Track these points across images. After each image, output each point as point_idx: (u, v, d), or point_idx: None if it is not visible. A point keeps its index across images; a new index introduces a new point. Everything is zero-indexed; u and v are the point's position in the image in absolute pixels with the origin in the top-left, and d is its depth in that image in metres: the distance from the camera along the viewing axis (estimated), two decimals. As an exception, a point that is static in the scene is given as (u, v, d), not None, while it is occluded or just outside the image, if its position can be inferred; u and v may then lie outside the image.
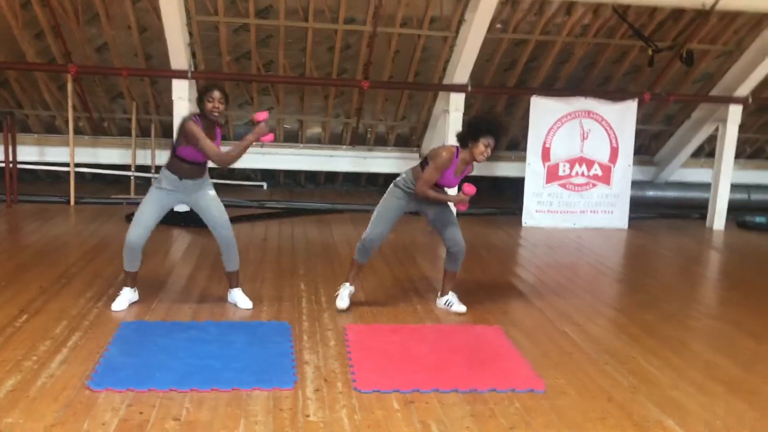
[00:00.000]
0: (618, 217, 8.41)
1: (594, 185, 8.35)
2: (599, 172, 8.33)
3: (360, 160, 9.58)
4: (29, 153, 8.78)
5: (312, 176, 10.35)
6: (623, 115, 8.26)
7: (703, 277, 6.43)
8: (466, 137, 4.28)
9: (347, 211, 8.48)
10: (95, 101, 8.76)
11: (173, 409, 3.02)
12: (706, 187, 9.14)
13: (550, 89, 8.74)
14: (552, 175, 8.26)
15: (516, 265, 6.41)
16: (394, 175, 4.82)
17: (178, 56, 7.38)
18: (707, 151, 10.05)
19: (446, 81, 8.15)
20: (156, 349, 3.65)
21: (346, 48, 8.16)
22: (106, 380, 3.23)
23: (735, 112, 8.51)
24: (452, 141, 7.88)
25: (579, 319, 4.61)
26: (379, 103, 9.01)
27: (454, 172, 4.37)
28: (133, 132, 8.79)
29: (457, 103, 7.98)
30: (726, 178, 8.65)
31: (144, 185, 8.33)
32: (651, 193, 9.89)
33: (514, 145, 9.74)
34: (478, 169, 9.73)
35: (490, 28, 7.47)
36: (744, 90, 8.42)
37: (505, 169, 9.81)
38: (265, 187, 9.96)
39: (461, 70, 7.74)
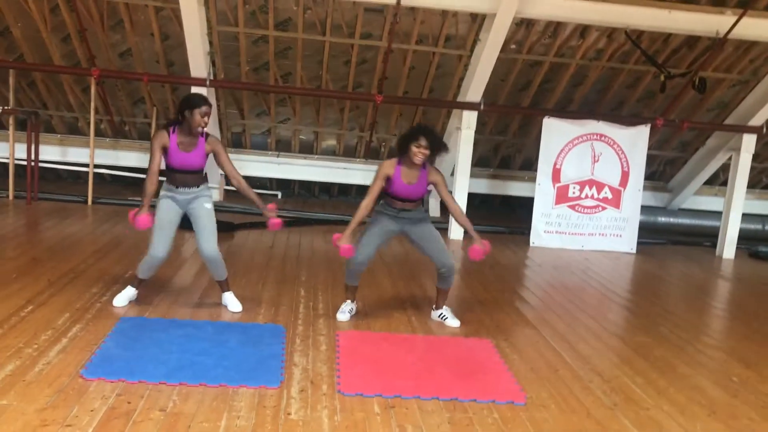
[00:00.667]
0: (626, 241, 8.41)
1: (603, 208, 8.37)
2: (609, 196, 8.36)
3: (373, 174, 9.62)
4: (52, 152, 9.05)
5: (326, 187, 10.49)
6: (635, 140, 8.29)
7: (706, 304, 6.42)
8: (401, 147, 4.44)
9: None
10: (117, 105, 9.00)
11: (161, 401, 3.13)
12: (718, 215, 9.08)
13: (563, 111, 8.82)
14: (561, 197, 8.31)
15: (518, 283, 6.45)
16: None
17: (198, 64, 7.60)
18: (722, 180, 10.02)
19: (460, 98, 8.26)
20: (150, 344, 3.78)
21: (362, 62, 8.32)
22: (99, 370, 3.36)
23: (749, 142, 8.49)
24: (464, 158, 8.05)
25: (572, 338, 4.65)
26: (393, 118, 9.15)
27: (402, 179, 4.45)
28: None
29: (469, 120, 8.08)
30: (738, 206, 8.62)
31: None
32: (662, 219, 9.87)
33: (527, 165, 9.82)
34: (491, 188, 9.95)
35: (505, 49, 7.58)
36: (759, 120, 8.41)
37: (516, 188, 9.90)
38: (279, 196, 10.12)
39: (474, 88, 7.85)
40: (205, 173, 4.49)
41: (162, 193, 4.43)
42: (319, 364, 3.76)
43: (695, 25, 7.35)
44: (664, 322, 5.32)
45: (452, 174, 8.43)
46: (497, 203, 10.70)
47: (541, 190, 8.27)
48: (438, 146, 4.40)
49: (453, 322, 4.68)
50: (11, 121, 8.06)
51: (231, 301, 4.60)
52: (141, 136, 9.46)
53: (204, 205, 4.40)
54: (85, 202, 8.29)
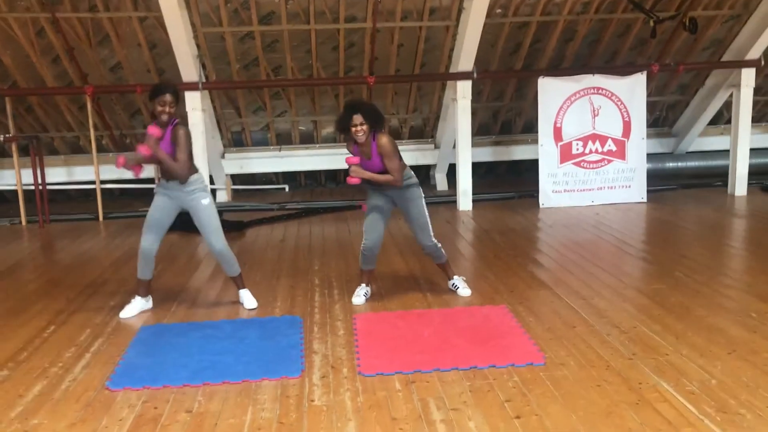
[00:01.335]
0: (636, 191, 8.38)
1: (609, 161, 8.33)
2: (613, 148, 8.31)
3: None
4: (58, 174, 9.13)
5: (332, 175, 10.51)
6: (633, 89, 8.22)
7: (720, 243, 6.39)
8: (343, 132, 4.44)
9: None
10: (115, 119, 9.06)
11: (186, 403, 3.20)
12: (727, 154, 9.02)
13: (557, 69, 8.75)
14: (565, 155, 8.27)
15: (531, 246, 6.46)
16: (413, 167, 4.93)
17: (188, 69, 7.62)
18: (726, 118, 9.92)
19: (452, 69, 8.22)
20: (171, 349, 3.85)
21: (350, 46, 8.29)
22: (123, 380, 3.43)
23: (748, 76, 8.41)
24: (464, 128, 8.02)
25: (587, 294, 4.67)
26: (389, 98, 9.13)
27: (363, 156, 4.42)
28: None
29: (464, 90, 8.05)
30: (744, 142, 8.55)
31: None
32: (671, 164, 9.82)
33: (529, 127, 9.77)
34: (495, 154, 9.92)
35: (490, 13, 7.52)
36: (756, 52, 8.31)
37: (520, 152, 9.87)
38: (287, 189, 10.16)
39: (465, 57, 7.81)
40: (197, 167, 4.54)
41: (156, 189, 4.55)
42: (338, 349, 3.81)
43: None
44: (679, 267, 5.32)
45: (454, 147, 8.42)
46: (503, 170, 10.68)
47: (545, 151, 8.24)
48: (373, 116, 4.33)
49: (464, 292, 4.72)
50: (14, 148, 8.14)
51: (246, 299, 4.66)
52: (143, 147, 9.49)
53: (201, 201, 4.44)
54: (97, 218, 8.38)
